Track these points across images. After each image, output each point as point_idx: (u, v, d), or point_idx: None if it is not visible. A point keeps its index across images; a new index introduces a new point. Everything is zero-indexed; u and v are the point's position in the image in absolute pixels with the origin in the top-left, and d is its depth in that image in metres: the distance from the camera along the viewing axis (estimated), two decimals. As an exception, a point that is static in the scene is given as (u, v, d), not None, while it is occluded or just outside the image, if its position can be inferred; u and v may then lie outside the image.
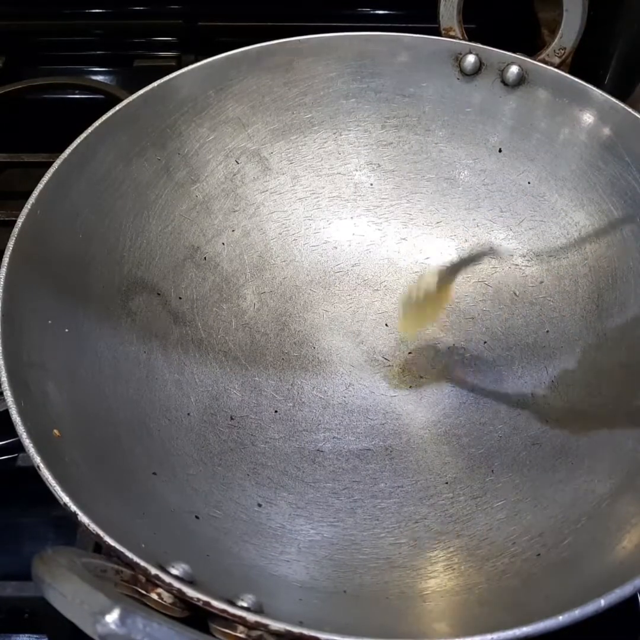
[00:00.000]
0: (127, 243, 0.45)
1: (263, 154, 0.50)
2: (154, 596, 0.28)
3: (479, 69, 0.48)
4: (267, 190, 0.51)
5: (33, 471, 0.31)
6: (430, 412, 0.45)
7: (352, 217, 0.52)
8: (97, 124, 0.44)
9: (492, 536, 0.38)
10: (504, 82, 0.48)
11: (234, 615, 0.27)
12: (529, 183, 0.50)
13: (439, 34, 0.49)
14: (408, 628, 0.34)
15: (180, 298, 0.46)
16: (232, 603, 0.28)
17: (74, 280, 0.41)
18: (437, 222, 0.51)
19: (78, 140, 0.43)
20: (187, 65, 0.48)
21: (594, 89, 0.46)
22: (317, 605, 0.34)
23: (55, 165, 0.41)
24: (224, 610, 0.27)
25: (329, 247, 0.51)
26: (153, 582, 0.28)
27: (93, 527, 0.29)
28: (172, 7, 0.69)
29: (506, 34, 0.54)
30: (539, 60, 0.48)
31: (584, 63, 0.56)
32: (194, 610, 0.28)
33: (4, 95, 0.61)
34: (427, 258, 0.50)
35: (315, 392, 0.45)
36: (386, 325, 0.49)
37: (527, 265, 0.49)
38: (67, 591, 0.24)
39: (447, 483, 0.41)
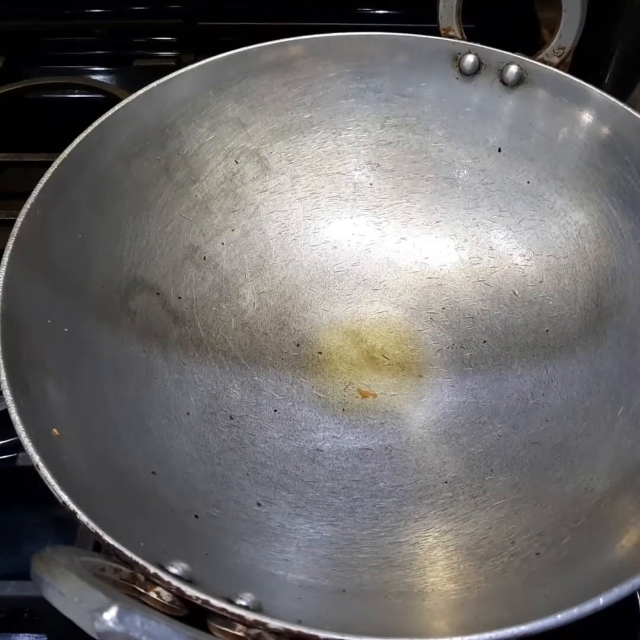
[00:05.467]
0: (127, 243, 0.45)
1: (262, 154, 0.50)
2: (153, 595, 0.28)
3: (478, 68, 0.48)
4: (266, 190, 0.51)
5: (33, 470, 0.31)
6: (430, 412, 0.45)
7: (351, 217, 0.52)
8: (97, 124, 0.44)
9: (491, 535, 0.38)
10: (503, 82, 0.48)
11: (232, 613, 0.27)
12: (528, 182, 0.50)
13: (439, 34, 0.50)
14: (407, 627, 0.34)
15: (179, 298, 0.46)
16: (231, 602, 0.28)
17: (74, 280, 0.41)
18: (437, 222, 0.51)
19: (78, 140, 0.43)
20: (187, 65, 0.48)
21: (593, 88, 0.46)
22: (316, 604, 0.34)
23: (55, 165, 0.41)
24: (222, 609, 0.27)
25: (329, 246, 0.51)
26: (152, 580, 0.28)
27: (92, 525, 0.29)
28: (172, 7, 0.69)
29: (506, 34, 0.54)
30: (538, 60, 0.48)
31: (584, 63, 0.56)
32: (193, 608, 0.28)
33: (4, 95, 0.61)
34: (427, 258, 0.50)
35: (314, 391, 0.45)
36: (386, 324, 0.49)
37: (526, 265, 0.49)
38: (65, 589, 0.24)
39: (446, 482, 0.41)
